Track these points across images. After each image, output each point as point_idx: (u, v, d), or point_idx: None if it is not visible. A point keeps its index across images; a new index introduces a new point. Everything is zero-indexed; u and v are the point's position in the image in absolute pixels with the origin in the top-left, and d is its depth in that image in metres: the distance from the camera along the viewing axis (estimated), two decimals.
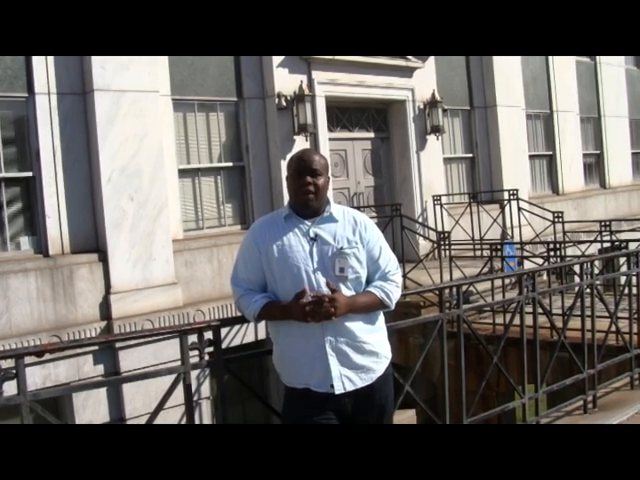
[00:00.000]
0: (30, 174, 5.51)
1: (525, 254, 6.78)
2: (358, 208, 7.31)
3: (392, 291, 2.27)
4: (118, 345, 5.39)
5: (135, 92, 5.76)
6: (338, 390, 2.16)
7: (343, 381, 2.17)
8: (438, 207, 8.34)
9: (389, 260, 2.31)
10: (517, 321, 3.60)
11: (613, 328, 4.18)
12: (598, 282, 4.14)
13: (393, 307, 2.29)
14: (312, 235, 2.21)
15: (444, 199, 8.47)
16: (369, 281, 2.28)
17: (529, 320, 3.65)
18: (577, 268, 4.01)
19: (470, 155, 9.57)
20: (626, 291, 4.24)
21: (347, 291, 2.19)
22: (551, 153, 11.02)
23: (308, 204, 2.21)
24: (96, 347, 5.27)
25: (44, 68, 5.43)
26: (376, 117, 8.47)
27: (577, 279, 3.99)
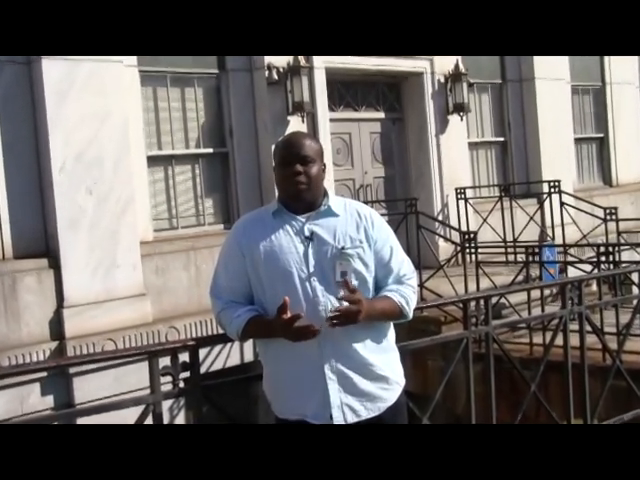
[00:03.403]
0: None
1: (569, 259, 6.77)
2: (365, 203, 7.30)
3: (410, 297, 2.28)
4: (72, 370, 5.37)
5: (93, 62, 5.76)
6: (337, 421, 2.16)
7: (344, 411, 2.17)
8: (462, 202, 8.34)
9: (402, 262, 2.31)
10: (560, 341, 3.60)
11: None
12: None
13: (410, 317, 2.30)
14: (307, 233, 2.22)
15: (469, 193, 8.47)
16: (377, 289, 2.28)
17: (575, 340, 3.65)
18: (635, 277, 4.02)
19: (501, 139, 9.57)
20: None
21: None
22: (603, 135, 11.02)
23: (299, 196, 2.22)
24: (45, 373, 5.25)
25: None
26: (387, 93, 8.48)
27: (635, 290, 3.99)
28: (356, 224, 2.25)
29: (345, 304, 2.10)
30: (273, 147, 6.81)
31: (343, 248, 2.20)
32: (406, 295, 2.27)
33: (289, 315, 2.07)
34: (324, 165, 2.30)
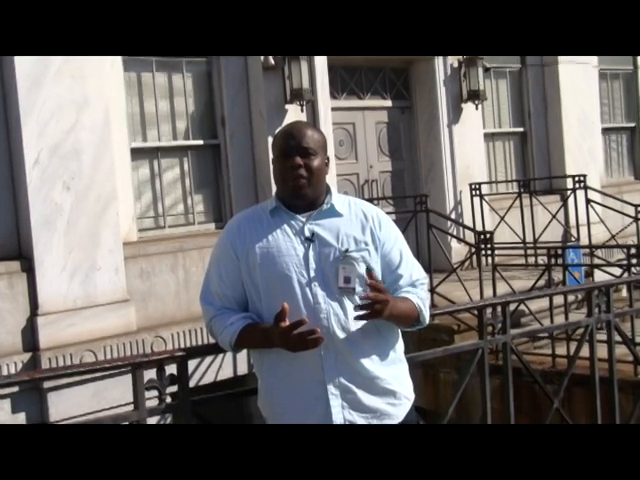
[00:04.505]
0: None
1: (596, 262, 6.77)
2: (370, 200, 7.31)
3: (426, 302, 2.30)
4: (47, 385, 5.37)
5: None
6: None
7: None
8: (477, 199, 8.35)
9: (413, 267, 2.33)
10: (586, 352, 3.61)
11: None
12: None
13: (426, 323, 2.33)
14: (307, 234, 2.22)
15: (485, 188, 8.48)
16: None
17: (602, 351, 3.65)
18: None
19: (521, 129, 9.58)
20: None
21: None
22: (634, 125, 11.01)
23: (299, 192, 2.22)
24: (16, 388, 5.25)
25: None
26: (394, 79, 8.48)
27: None
28: (361, 225, 2.26)
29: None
30: (270, 138, 6.84)
31: (347, 251, 2.20)
32: (423, 298, 2.29)
33: (287, 323, 2.07)
34: (327, 158, 2.31)
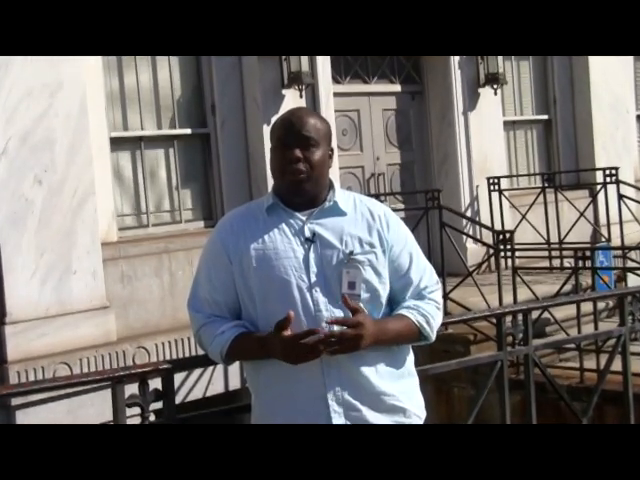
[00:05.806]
0: None
1: (629, 265, 6.77)
2: (377, 197, 7.33)
3: (433, 315, 2.29)
4: (15, 402, 5.37)
5: None
6: None
7: None
8: (496, 195, 8.35)
9: (424, 271, 2.33)
10: (618, 366, 3.61)
11: None
12: None
13: (433, 339, 2.31)
14: (308, 234, 2.22)
15: (505, 183, 8.49)
16: (393, 303, 2.29)
17: (637, 365, 3.65)
18: None
19: (545, 117, 9.59)
20: None
21: None
22: None
23: (299, 187, 2.22)
24: None
25: None
26: (404, 62, 8.49)
27: None
28: (367, 225, 2.26)
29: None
30: (267, 127, 6.85)
31: (351, 253, 2.20)
32: (427, 313, 2.27)
33: (289, 332, 2.08)
34: (331, 150, 2.30)
